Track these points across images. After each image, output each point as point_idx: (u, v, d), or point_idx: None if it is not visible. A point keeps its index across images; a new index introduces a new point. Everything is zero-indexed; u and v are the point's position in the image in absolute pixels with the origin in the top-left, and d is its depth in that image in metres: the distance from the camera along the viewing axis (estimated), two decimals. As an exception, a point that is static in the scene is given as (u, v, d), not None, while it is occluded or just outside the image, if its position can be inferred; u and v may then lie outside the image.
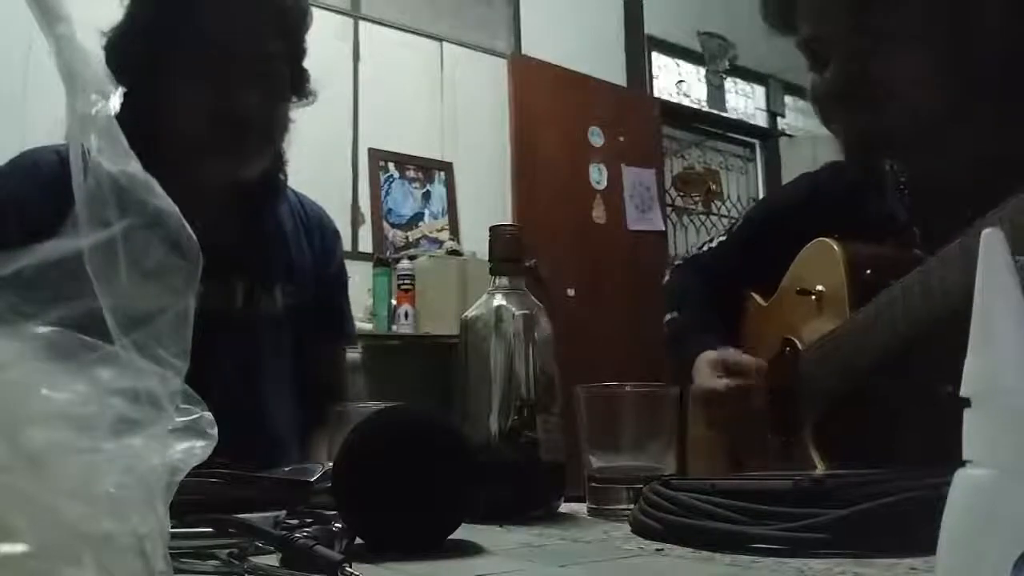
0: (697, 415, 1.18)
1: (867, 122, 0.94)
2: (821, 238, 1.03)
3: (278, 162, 1.20)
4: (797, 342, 1.08)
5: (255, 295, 1.17)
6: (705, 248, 1.32)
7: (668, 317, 1.27)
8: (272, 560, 0.51)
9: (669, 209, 4.68)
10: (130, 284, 0.35)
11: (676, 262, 1.38)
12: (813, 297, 1.03)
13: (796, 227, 1.09)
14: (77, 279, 0.34)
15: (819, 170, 1.21)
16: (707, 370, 1.11)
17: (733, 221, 1.35)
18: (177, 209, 0.38)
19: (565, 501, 0.80)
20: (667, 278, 1.34)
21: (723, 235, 1.30)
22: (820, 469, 0.94)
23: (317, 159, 3.37)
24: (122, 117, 0.38)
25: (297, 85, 1.17)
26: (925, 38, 0.90)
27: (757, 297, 1.22)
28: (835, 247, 0.99)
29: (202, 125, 1.06)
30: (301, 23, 1.15)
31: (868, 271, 0.95)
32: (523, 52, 4.12)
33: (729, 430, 1.15)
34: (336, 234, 1.35)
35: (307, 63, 1.20)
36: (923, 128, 0.92)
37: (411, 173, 3.80)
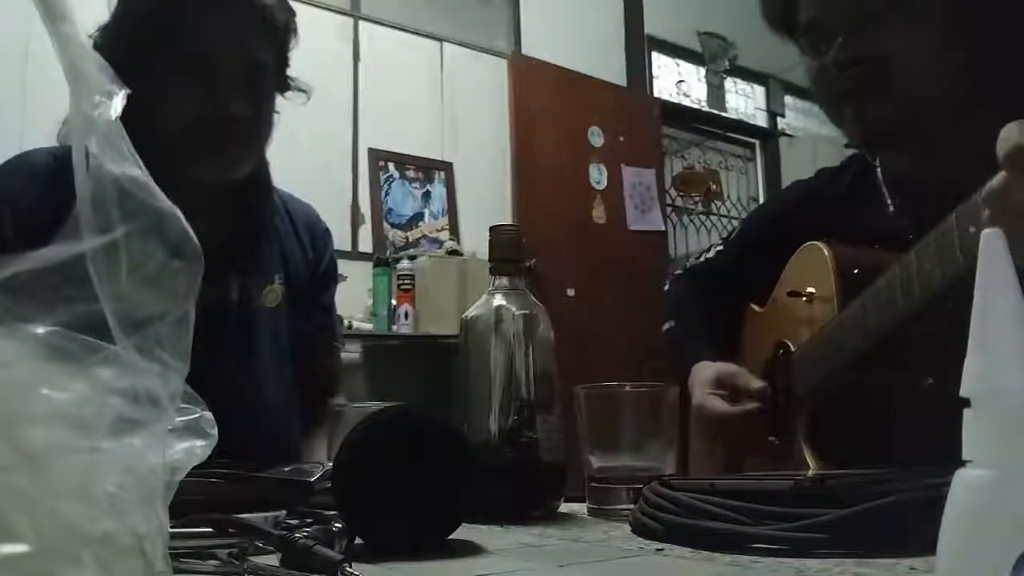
0: (695, 424, 1.18)
1: (874, 102, 0.91)
2: (811, 242, 1.04)
3: (264, 162, 1.21)
4: (790, 344, 1.08)
5: (250, 292, 1.17)
6: (703, 258, 1.32)
7: (666, 327, 1.28)
8: (272, 560, 0.51)
9: (669, 209, 4.68)
10: (131, 288, 0.35)
11: (676, 272, 1.38)
12: (804, 299, 1.04)
13: (790, 235, 1.09)
14: (76, 283, 0.34)
15: (812, 178, 1.22)
16: (704, 387, 1.10)
17: (730, 231, 1.35)
18: (179, 212, 0.38)
19: (565, 501, 0.80)
20: (666, 287, 1.35)
21: (720, 244, 1.31)
22: (813, 470, 0.94)
23: (317, 159, 3.37)
24: None
25: (282, 86, 1.18)
26: (927, 15, 0.88)
27: (754, 306, 1.23)
28: (824, 249, 1.01)
29: (189, 128, 1.07)
30: (288, 35, 1.16)
31: (856, 271, 0.95)
32: (523, 52, 4.12)
33: (728, 443, 1.15)
34: (327, 232, 1.35)
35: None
36: (928, 110, 0.90)
37: (411, 173, 3.80)
